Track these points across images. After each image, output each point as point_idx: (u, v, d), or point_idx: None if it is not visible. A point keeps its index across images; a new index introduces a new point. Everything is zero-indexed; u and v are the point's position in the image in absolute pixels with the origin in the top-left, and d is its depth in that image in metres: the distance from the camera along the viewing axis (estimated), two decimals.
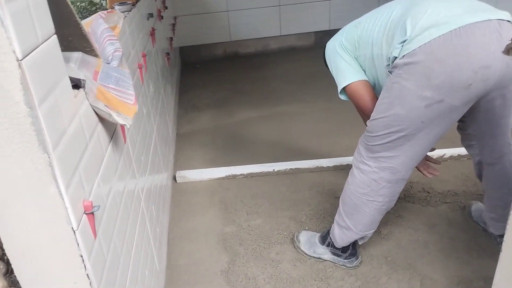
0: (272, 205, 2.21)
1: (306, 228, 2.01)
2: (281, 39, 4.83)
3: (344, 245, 1.73)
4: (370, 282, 1.70)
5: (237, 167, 2.52)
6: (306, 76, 3.97)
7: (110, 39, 1.09)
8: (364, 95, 1.62)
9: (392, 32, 1.38)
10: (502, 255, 1.13)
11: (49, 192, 0.75)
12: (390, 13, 1.45)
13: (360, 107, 1.66)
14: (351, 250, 1.76)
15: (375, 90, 1.64)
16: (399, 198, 2.11)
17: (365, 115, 1.65)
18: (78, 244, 0.80)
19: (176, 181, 2.49)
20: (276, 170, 2.46)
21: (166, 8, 3.38)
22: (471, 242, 1.85)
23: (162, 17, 2.91)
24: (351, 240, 1.71)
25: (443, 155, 2.47)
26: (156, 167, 1.92)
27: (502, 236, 1.77)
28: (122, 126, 1.25)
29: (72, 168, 0.81)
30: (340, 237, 1.72)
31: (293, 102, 3.43)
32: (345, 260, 1.76)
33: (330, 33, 4.81)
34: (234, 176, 2.47)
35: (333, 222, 1.78)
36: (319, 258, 1.82)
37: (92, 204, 0.85)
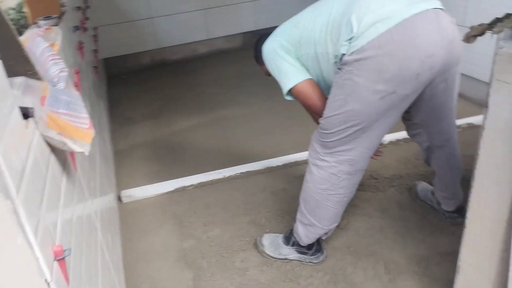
0: (228, 213, 2.17)
1: (267, 230, 2.00)
2: (209, 43, 4.77)
3: (310, 242, 1.74)
4: (338, 275, 1.73)
5: (185, 178, 2.44)
6: (239, 78, 3.96)
7: (53, 59, 0.99)
8: (312, 94, 1.63)
9: (337, 30, 1.41)
10: (466, 231, 1.20)
11: (16, 243, 0.65)
12: (330, 10, 1.47)
13: (309, 106, 1.67)
14: (316, 246, 1.78)
15: (320, 88, 1.66)
16: None
17: (315, 113, 1.67)
18: None
19: (121, 201, 2.35)
20: (226, 176, 2.42)
21: (87, 19, 3.18)
22: (422, 221, 1.97)
23: (85, 29, 2.72)
24: (317, 236, 1.72)
25: (383, 141, 2.60)
26: (105, 190, 1.79)
27: (452, 212, 1.90)
28: (72, 154, 1.14)
29: (36, 211, 0.71)
30: (306, 235, 1.72)
31: (231, 105, 3.41)
32: (312, 257, 1.78)
33: (257, 34, 4.88)
34: (183, 188, 2.39)
35: (295, 222, 1.78)
36: (285, 258, 1.82)
37: (62, 249, 0.76)
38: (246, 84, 3.77)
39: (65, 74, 1.01)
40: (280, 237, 1.86)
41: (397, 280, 1.67)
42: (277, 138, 2.82)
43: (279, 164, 2.48)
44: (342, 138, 1.48)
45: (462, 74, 1.64)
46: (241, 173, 2.44)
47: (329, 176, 1.58)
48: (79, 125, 0.92)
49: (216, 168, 2.50)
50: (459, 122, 2.74)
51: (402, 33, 1.27)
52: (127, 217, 2.22)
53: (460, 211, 1.86)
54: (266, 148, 2.71)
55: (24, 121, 0.78)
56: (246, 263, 1.84)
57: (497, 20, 1.01)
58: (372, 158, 1.74)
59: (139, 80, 4.21)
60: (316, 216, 1.67)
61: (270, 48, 1.68)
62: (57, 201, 0.89)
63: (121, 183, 2.51)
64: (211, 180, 2.41)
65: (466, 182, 2.13)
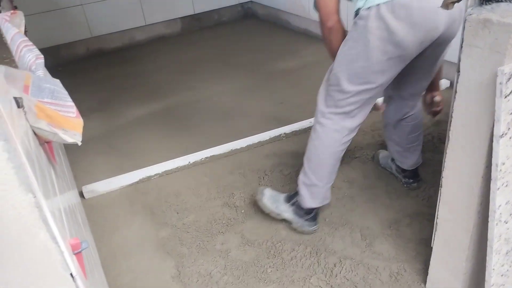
0: (199, 198, 2.14)
1: (243, 211, 2.01)
2: (147, 29, 4.60)
3: (314, 205, 1.78)
4: (318, 245, 1.79)
5: (149, 168, 2.37)
6: (185, 63, 3.87)
7: (26, 45, 0.90)
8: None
9: None
10: (443, 190, 1.29)
11: (39, 239, 0.60)
12: None
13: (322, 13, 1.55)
14: (313, 215, 1.82)
15: None
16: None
17: (326, 27, 1.56)
18: None
19: (84, 197, 2.23)
20: (191, 162, 2.39)
21: (15, 8, 2.92)
22: (388, 187, 2.08)
23: None
24: (320, 197, 1.77)
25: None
26: (67, 188, 1.69)
27: (408, 176, 2.02)
28: (49, 145, 1.06)
29: (51, 205, 0.66)
30: (309, 196, 1.76)
31: (182, 91, 3.33)
32: (305, 222, 1.82)
33: (195, 17, 4.78)
34: (148, 178, 2.32)
35: (297, 185, 1.81)
36: (279, 214, 1.86)
37: (79, 242, 0.71)
38: (193, 69, 3.70)
39: (41, 61, 0.93)
40: (282, 196, 1.89)
41: (373, 244, 1.77)
42: (235, 121, 2.82)
43: (242, 145, 2.48)
44: (353, 100, 1.55)
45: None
46: (206, 157, 2.41)
47: (332, 133, 1.64)
48: (66, 114, 0.86)
49: (179, 155, 2.45)
50: None
51: (416, 2, 1.33)
52: (93, 213, 2.12)
53: (415, 177, 2.00)
54: (227, 131, 2.70)
55: (20, 112, 0.71)
56: (227, 245, 1.84)
57: None
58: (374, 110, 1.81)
59: (78, 71, 3.98)
60: (318, 174, 1.72)
61: None
62: (55, 195, 0.83)
63: (80, 179, 2.38)
64: (177, 167, 2.36)
65: (428, 146, 2.29)
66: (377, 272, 1.64)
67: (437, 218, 1.38)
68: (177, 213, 2.06)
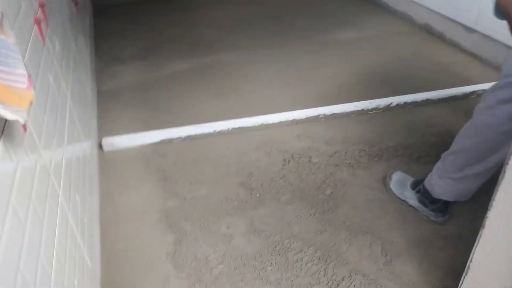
0: (217, 171, 1.99)
1: (258, 195, 1.84)
2: None
3: (443, 198, 1.62)
4: (330, 251, 1.59)
5: (173, 129, 2.24)
6: (239, 20, 3.64)
7: None
8: None
9: None
10: (485, 231, 1.03)
11: None
12: None
13: None
14: (440, 205, 1.65)
15: None
16: (351, 154, 1.99)
17: None
18: None
19: (103, 150, 2.16)
20: (217, 131, 2.22)
21: None
22: None
23: None
24: (450, 192, 1.60)
25: (390, 104, 2.38)
26: (75, 140, 1.59)
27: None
28: None
29: None
30: (441, 186, 1.60)
31: (228, 50, 3.13)
32: (431, 212, 1.67)
33: None
34: (170, 141, 2.20)
35: (431, 171, 1.65)
36: (404, 201, 1.76)
37: None
38: (243, 27, 3.46)
39: None
40: (410, 180, 1.78)
41: (393, 263, 1.54)
42: (274, 92, 2.59)
43: (275, 121, 2.27)
44: None
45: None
46: (234, 128, 2.24)
47: (488, 127, 1.41)
48: (12, 84, 0.70)
49: (207, 121, 2.29)
50: (473, 88, 2.51)
51: None
52: (108, 168, 2.04)
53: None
54: (263, 102, 2.49)
55: None
56: (232, 230, 1.70)
57: None
58: None
59: (131, 15, 3.88)
60: (462, 171, 1.52)
61: None
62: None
63: (104, 130, 2.31)
64: (201, 134, 2.22)
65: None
66: None
67: (470, 261, 1.13)
68: (190, 184, 1.93)
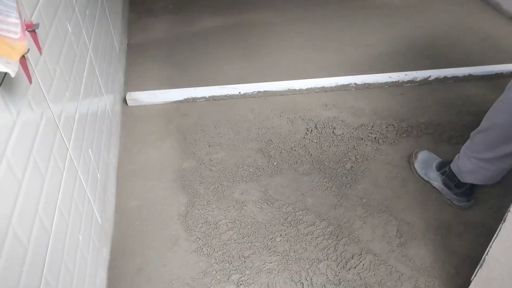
0: (237, 135, 1.95)
1: (275, 163, 1.80)
2: None
3: (469, 181, 1.53)
4: (343, 227, 1.54)
5: (197, 88, 2.20)
6: None
7: None
8: None
9: None
10: (505, 225, 0.95)
11: None
12: None
13: None
14: (465, 190, 1.57)
15: None
16: (378, 128, 1.90)
17: None
18: None
19: (127, 104, 2.16)
20: (242, 93, 2.16)
21: None
22: None
23: None
24: (479, 172, 1.49)
25: (428, 77, 2.22)
26: (94, 94, 1.58)
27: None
28: (23, 63, 0.90)
29: None
30: (469, 170, 1.50)
31: (263, 8, 3.00)
32: (454, 196, 1.59)
33: None
34: (194, 100, 2.17)
35: (459, 152, 1.56)
36: (428, 182, 1.68)
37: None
38: None
39: None
40: (436, 160, 1.69)
41: (408, 246, 1.48)
42: (305, 56, 2.48)
43: (302, 87, 2.18)
44: None
45: None
46: (259, 91, 2.17)
47: None
48: (3, 33, 0.67)
49: (232, 82, 2.23)
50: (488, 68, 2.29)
51: None
52: (130, 123, 2.05)
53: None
54: (292, 65, 2.40)
55: None
56: (245, 196, 1.67)
57: None
58: None
59: None
60: (491, 150, 1.42)
61: None
62: None
63: (130, 83, 2.30)
64: (225, 95, 2.17)
65: None
66: (399, 280, 1.38)
67: (486, 254, 1.05)
68: (209, 146, 1.90)
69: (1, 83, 0.80)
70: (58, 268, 0.96)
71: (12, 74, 0.67)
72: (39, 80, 1.00)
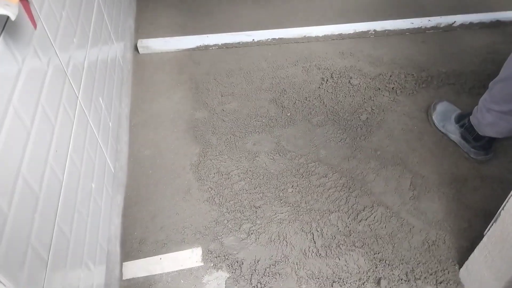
0: (250, 85, 1.91)
1: (288, 114, 1.76)
2: None
3: (488, 134, 1.48)
4: (355, 180, 1.53)
5: (210, 36, 2.13)
6: None
7: None
8: None
9: None
10: None
11: None
12: None
13: None
14: (484, 143, 1.53)
15: None
16: (396, 78, 1.83)
17: None
18: None
19: (138, 52, 2.12)
20: (256, 40, 2.09)
21: None
22: None
23: None
24: (498, 125, 1.42)
25: (453, 23, 2.10)
26: (103, 41, 1.54)
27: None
28: (27, 7, 0.86)
29: None
30: (489, 123, 1.44)
31: None
32: (472, 150, 1.55)
33: None
34: (206, 47, 2.11)
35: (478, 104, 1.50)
36: (445, 134, 1.64)
37: None
38: None
39: None
40: (456, 112, 1.64)
41: (421, 199, 1.47)
42: (322, 1, 2.35)
43: (319, 34, 2.09)
44: None
45: None
46: (273, 39, 2.09)
47: None
48: None
49: (246, 29, 2.15)
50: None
51: None
52: (141, 72, 2.01)
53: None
54: (307, 12, 2.29)
55: None
56: (258, 147, 1.66)
57: None
58: None
59: None
60: (510, 102, 1.35)
61: None
62: None
63: (141, 30, 2.24)
64: (239, 43, 2.10)
65: None
66: (409, 233, 1.38)
67: (502, 208, 1.03)
68: (222, 95, 1.87)
69: (3, 28, 0.77)
70: (72, 215, 0.98)
71: (12, 17, 0.64)
72: (44, 26, 0.97)
